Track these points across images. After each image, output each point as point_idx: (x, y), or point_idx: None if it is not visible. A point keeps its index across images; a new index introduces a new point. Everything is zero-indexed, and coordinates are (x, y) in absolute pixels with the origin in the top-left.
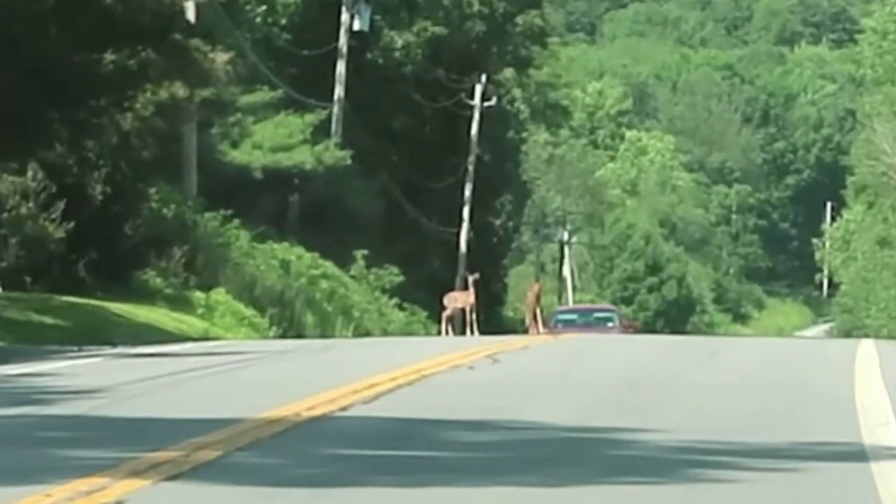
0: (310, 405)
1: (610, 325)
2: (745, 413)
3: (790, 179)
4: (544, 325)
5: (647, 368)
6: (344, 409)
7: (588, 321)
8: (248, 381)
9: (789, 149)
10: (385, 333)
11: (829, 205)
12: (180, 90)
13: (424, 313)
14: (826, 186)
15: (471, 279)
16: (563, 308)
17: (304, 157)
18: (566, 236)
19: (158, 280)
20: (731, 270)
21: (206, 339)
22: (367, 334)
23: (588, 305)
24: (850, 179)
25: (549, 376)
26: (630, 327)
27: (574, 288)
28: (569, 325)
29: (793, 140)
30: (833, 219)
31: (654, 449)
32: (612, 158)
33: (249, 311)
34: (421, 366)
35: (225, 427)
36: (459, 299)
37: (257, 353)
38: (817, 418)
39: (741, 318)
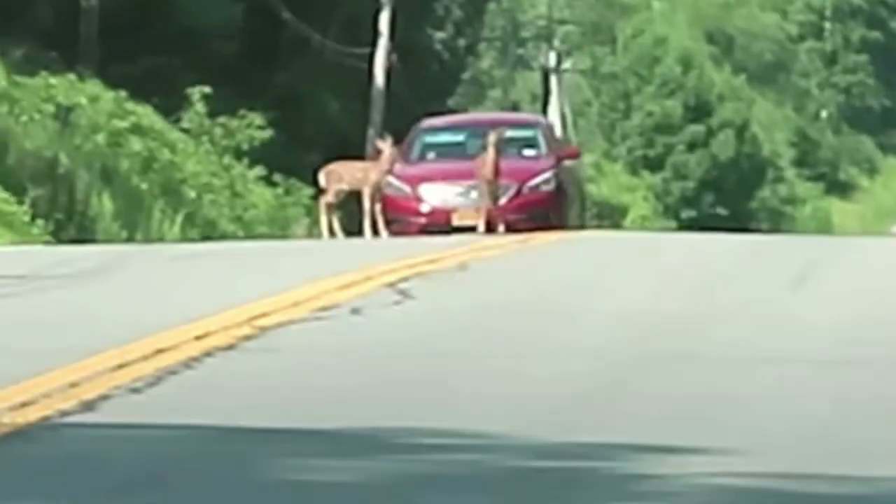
0: (23, 399)
1: (529, 152)
2: (862, 411)
3: None
4: (404, 157)
5: (677, 318)
6: (89, 406)
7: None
8: None
9: None
10: (241, 227)
11: None
12: None
13: (309, 191)
14: None
15: (382, 147)
16: (437, 122)
17: None
18: (554, 60)
19: None
20: (825, 113)
21: None
22: (211, 232)
23: (486, 115)
24: None
25: (497, 333)
26: (568, 155)
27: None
28: (445, 154)
29: None
30: None
31: (694, 489)
32: None
33: None
34: (262, 305)
35: None
36: (345, 177)
37: None
38: None
39: (840, 188)
